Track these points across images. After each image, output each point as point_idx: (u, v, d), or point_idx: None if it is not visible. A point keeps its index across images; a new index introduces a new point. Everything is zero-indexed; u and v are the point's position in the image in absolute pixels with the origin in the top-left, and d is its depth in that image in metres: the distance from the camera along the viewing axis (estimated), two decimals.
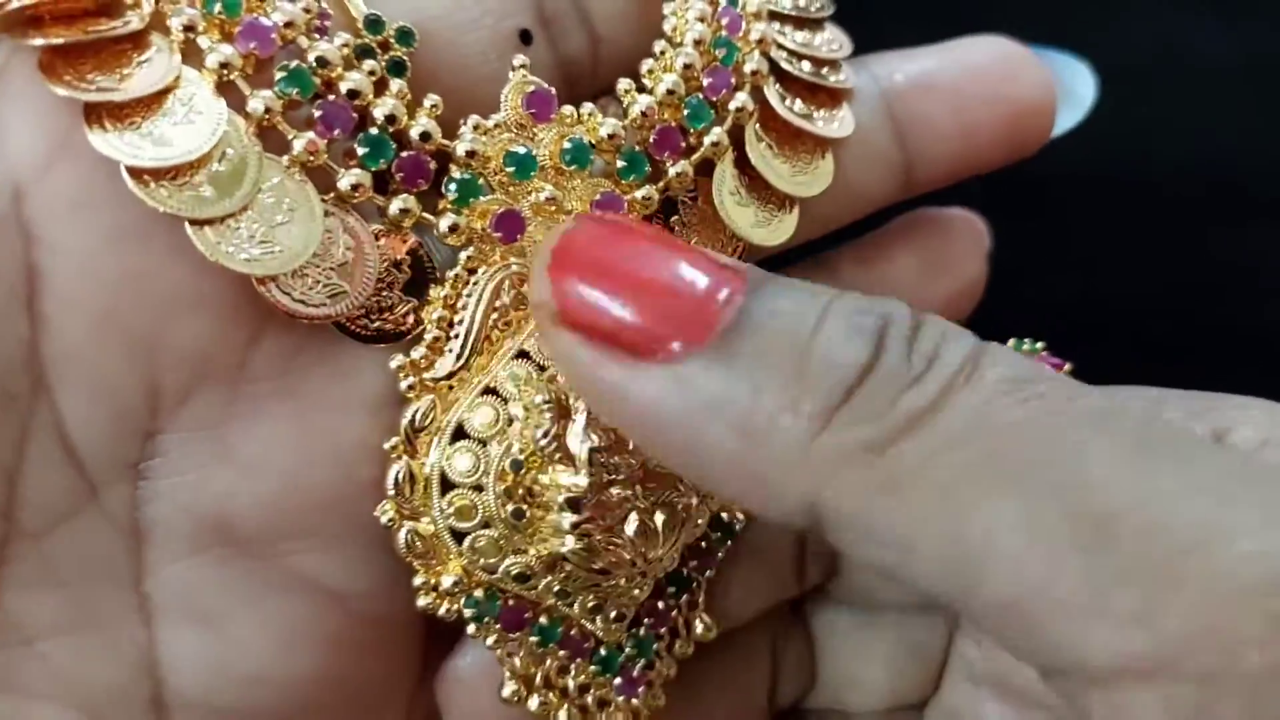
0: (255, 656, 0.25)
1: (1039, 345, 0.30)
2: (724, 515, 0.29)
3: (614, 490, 0.25)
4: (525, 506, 0.25)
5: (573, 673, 0.27)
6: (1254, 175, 0.38)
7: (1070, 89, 0.34)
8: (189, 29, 0.23)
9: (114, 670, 0.24)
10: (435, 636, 0.27)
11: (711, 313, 0.21)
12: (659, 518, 0.25)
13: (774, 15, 0.29)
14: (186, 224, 0.23)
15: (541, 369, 0.25)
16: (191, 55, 0.23)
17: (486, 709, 0.27)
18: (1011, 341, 0.29)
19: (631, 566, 0.25)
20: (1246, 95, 0.37)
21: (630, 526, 0.25)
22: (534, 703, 0.27)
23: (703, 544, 0.28)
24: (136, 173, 0.22)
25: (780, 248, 0.29)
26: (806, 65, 0.29)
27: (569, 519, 0.25)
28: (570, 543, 0.25)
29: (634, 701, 0.28)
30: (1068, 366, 0.29)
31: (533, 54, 0.26)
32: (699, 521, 0.28)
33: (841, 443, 0.20)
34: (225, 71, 0.23)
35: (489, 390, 0.25)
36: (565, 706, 0.27)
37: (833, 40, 0.30)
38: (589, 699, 0.28)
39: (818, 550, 0.30)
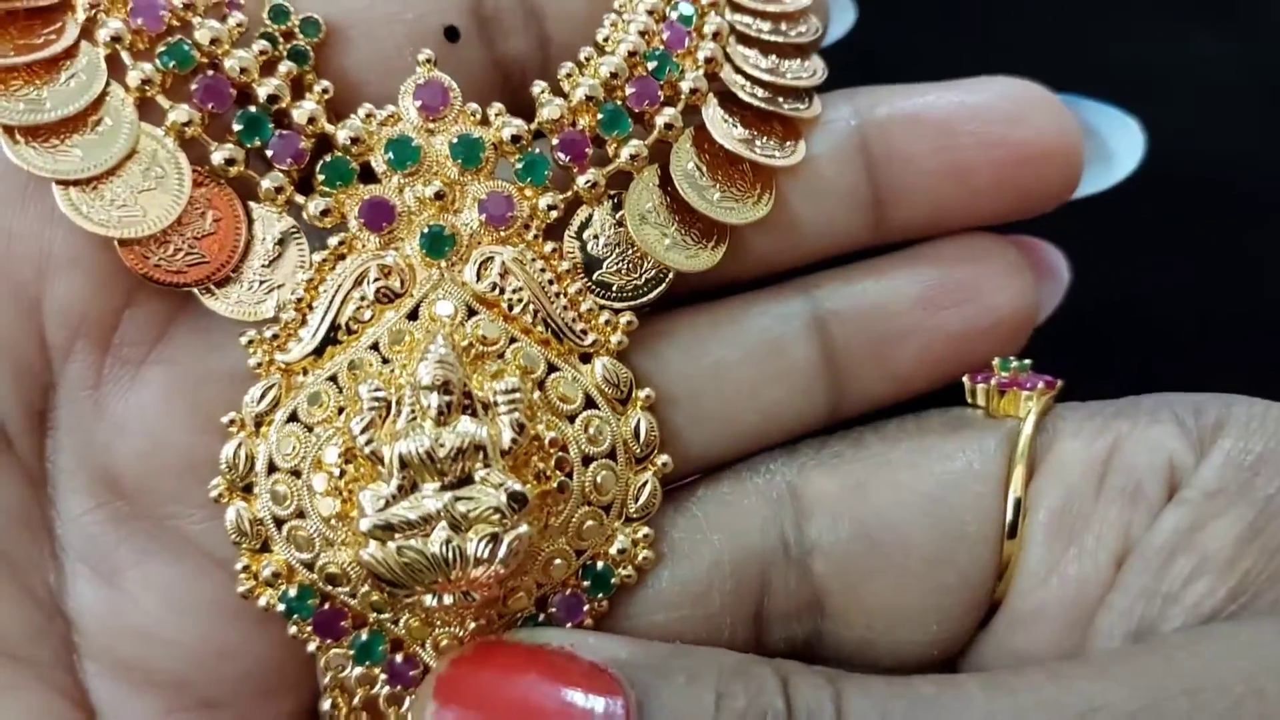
0: (146, 613, 0.25)
1: (1026, 363, 0.27)
2: (598, 565, 0.25)
3: (426, 500, 0.23)
4: (338, 501, 0.24)
5: (405, 705, 0.25)
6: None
7: (1108, 145, 0.28)
8: (94, 5, 0.24)
9: (29, 613, 0.25)
10: None
11: None
12: (470, 540, 0.23)
13: (742, 38, 0.27)
14: (54, 185, 0.24)
15: (385, 361, 0.24)
16: (93, 31, 0.24)
17: None
18: (997, 361, 0.27)
19: (432, 583, 0.23)
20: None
21: (435, 543, 0.23)
22: None
23: (567, 591, 0.25)
24: (9, 130, 0.24)
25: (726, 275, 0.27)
26: (761, 91, 0.27)
27: (367, 521, 0.23)
28: (372, 547, 0.23)
29: None
30: (1059, 384, 0.27)
31: (465, 52, 0.26)
32: (555, 562, 0.25)
33: None
34: (117, 45, 0.24)
35: (333, 379, 0.24)
36: None
37: (808, 69, 0.27)
38: None
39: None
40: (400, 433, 0.23)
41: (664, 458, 0.25)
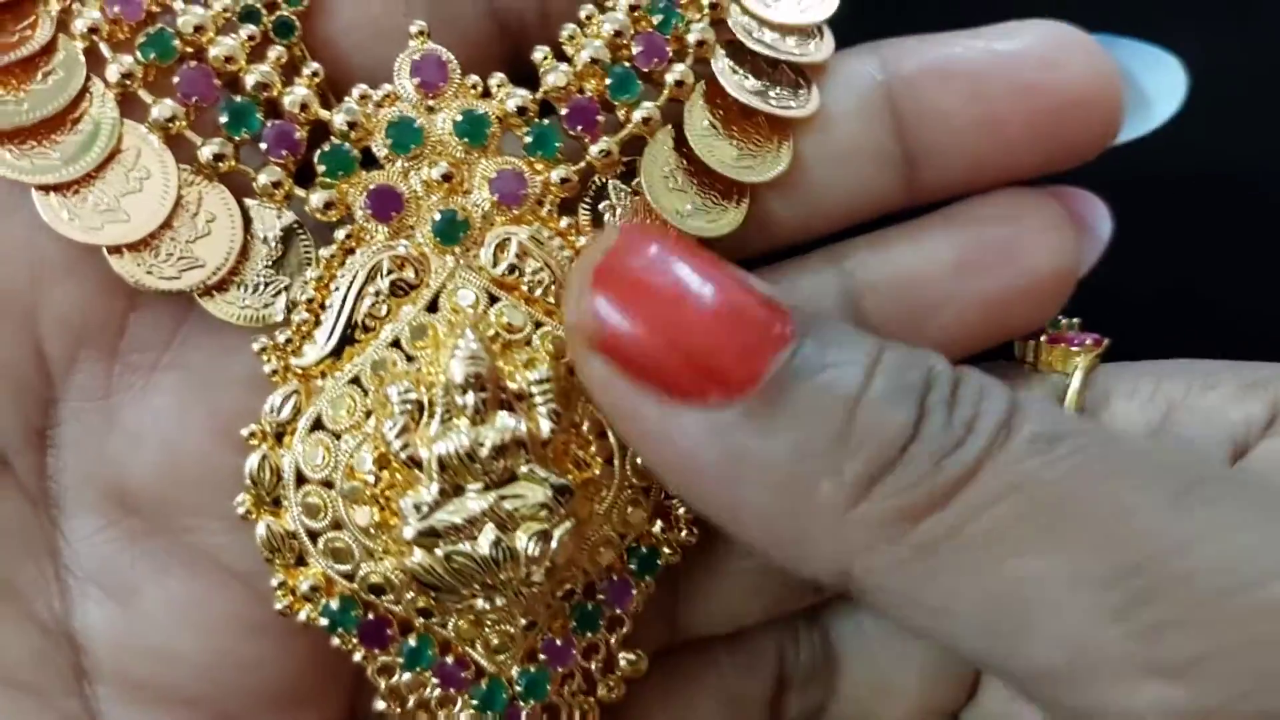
0: (162, 631, 0.24)
1: (1075, 322, 0.27)
2: (643, 547, 0.25)
3: (470, 503, 0.22)
4: (376, 510, 0.23)
5: (458, 706, 0.24)
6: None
7: (1149, 87, 0.28)
8: None
9: (33, 639, 0.24)
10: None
11: (757, 362, 0.20)
12: (520, 539, 0.22)
13: None
14: (34, 190, 0.22)
15: (410, 359, 0.23)
16: (69, 24, 0.23)
17: None
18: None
19: (483, 586, 0.22)
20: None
21: (484, 545, 0.22)
22: None
23: (613, 577, 0.25)
24: None
25: (751, 248, 0.26)
26: (769, 34, 0.25)
27: (411, 530, 0.22)
28: (418, 556, 0.22)
29: None
30: (1106, 342, 0.27)
31: (459, 7, 0.24)
32: (601, 549, 0.24)
33: (881, 511, 0.19)
34: (95, 37, 0.22)
35: (355, 381, 0.23)
36: None
37: (810, 6, 0.26)
38: None
39: None
40: (437, 435, 0.22)
41: None
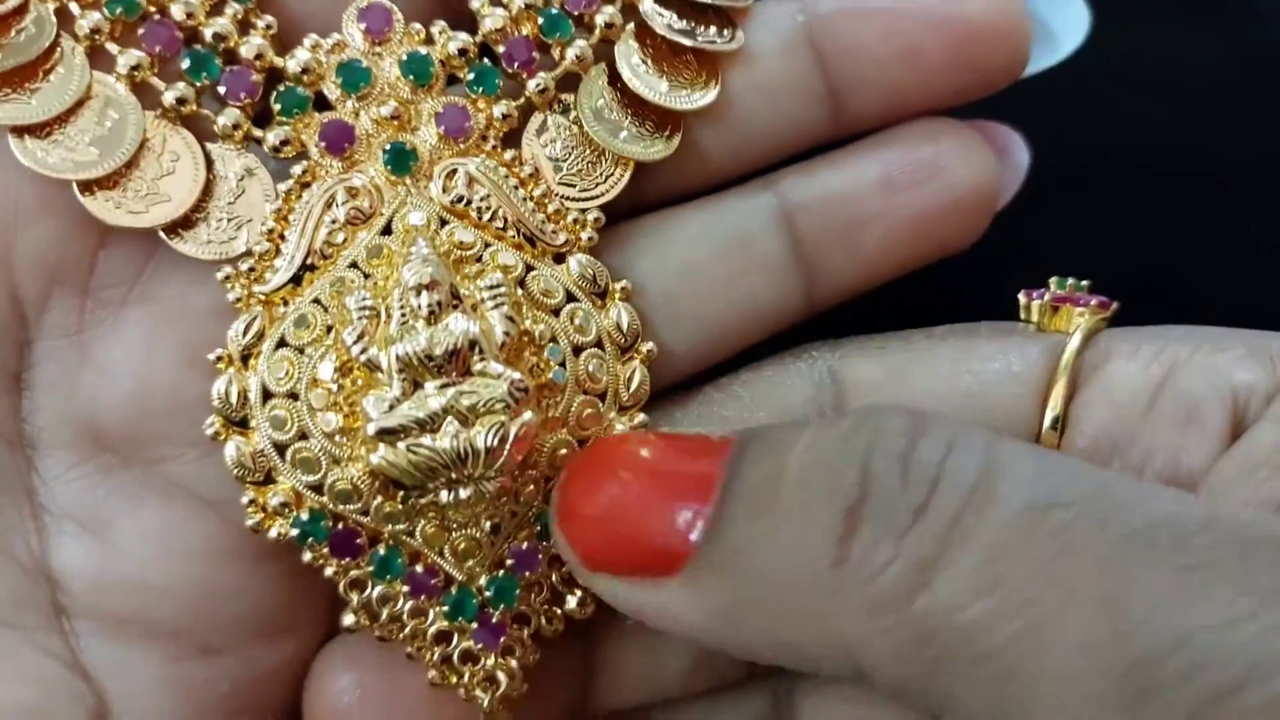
0: (138, 564, 0.25)
1: (1084, 284, 0.27)
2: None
3: (430, 399, 0.23)
4: (340, 416, 0.24)
5: (429, 618, 0.25)
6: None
7: (1054, 22, 0.30)
8: None
9: (11, 578, 0.25)
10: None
11: (678, 546, 0.21)
12: (479, 432, 0.23)
13: None
14: (9, 134, 0.24)
15: (366, 276, 0.24)
16: None
17: None
18: (1054, 280, 0.27)
19: (449, 480, 0.23)
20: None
21: (445, 438, 0.23)
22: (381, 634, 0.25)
23: None
24: None
25: (690, 181, 0.27)
26: None
27: (374, 425, 0.23)
28: (382, 450, 0.23)
29: (503, 660, 0.25)
30: (1114, 306, 0.27)
31: None
32: (561, 452, 0.25)
33: (866, 597, 0.19)
34: None
35: (316, 301, 0.25)
36: (426, 654, 0.25)
37: None
38: (452, 650, 0.25)
39: None
40: (394, 336, 0.23)
41: (649, 345, 0.26)
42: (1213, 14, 0.34)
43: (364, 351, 0.23)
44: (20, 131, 0.24)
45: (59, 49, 0.24)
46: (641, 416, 0.26)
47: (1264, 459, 0.23)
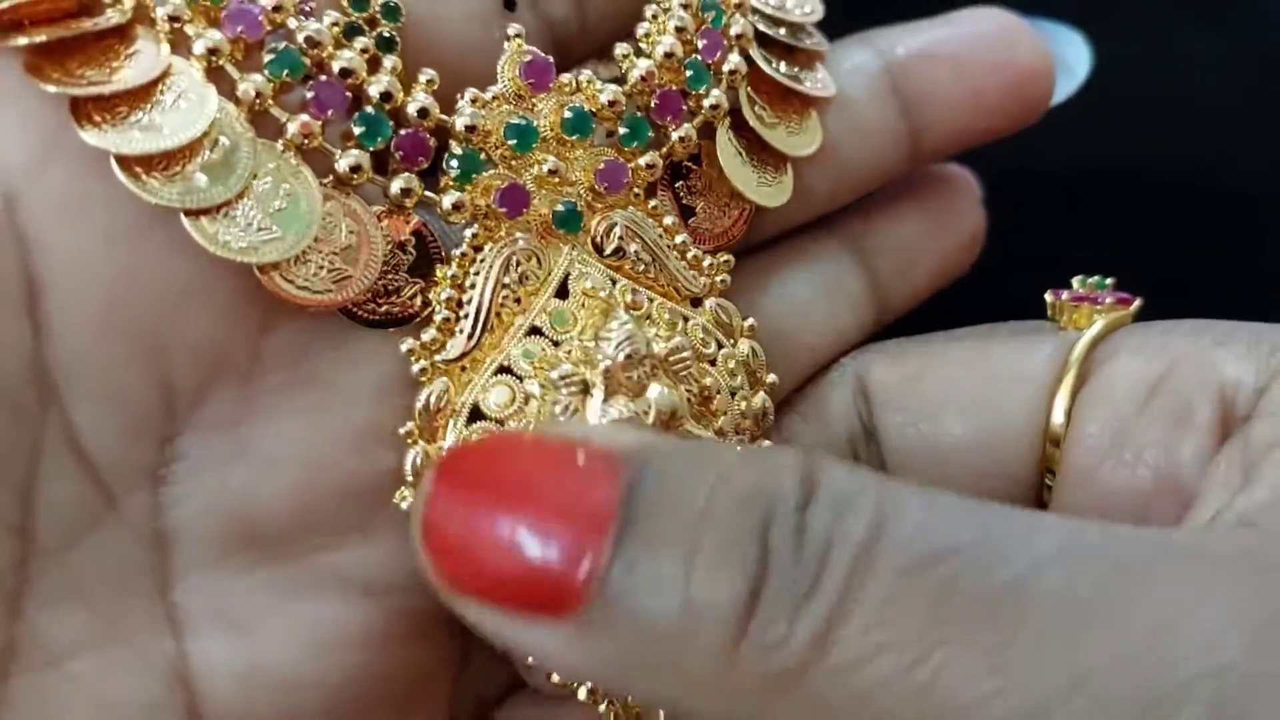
0: (289, 661, 0.24)
1: (1108, 281, 0.28)
2: None
3: None
4: None
5: None
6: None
7: (1064, 59, 0.33)
8: (174, 19, 0.22)
9: (146, 684, 0.23)
10: None
11: (570, 590, 0.19)
12: None
13: None
14: (182, 215, 0.22)
15: (556, 344, 0.25)
16: (180, 44, 0.23)
17: None
18: (1077, 279, 0.28)
19: None
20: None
21: None
22: None
23: None
24: (127, 164, 0.22)
25: (793, 219, 0.29)
26: (783, 30, 0.29)
27: None
28: None
29: None
30: (1137, 302, 0.28)
31: (520, 20, 0.26)
32: None
33: (767, 672, 0.18)
34: (214, 58, 0.22)
35: (503, 369, 0.25)
36: None
37: (803, 3, 0.29)
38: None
39: None
40: (603, 412, 0.24)
41: (772, 376, 0.28)
42: (1217, 18, 0.37)
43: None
44: (195, 214, 0.22)
45: (219, 115, 0.22)
46: (766, 443, 0.28)
47: (1256, 458, 0.23)
